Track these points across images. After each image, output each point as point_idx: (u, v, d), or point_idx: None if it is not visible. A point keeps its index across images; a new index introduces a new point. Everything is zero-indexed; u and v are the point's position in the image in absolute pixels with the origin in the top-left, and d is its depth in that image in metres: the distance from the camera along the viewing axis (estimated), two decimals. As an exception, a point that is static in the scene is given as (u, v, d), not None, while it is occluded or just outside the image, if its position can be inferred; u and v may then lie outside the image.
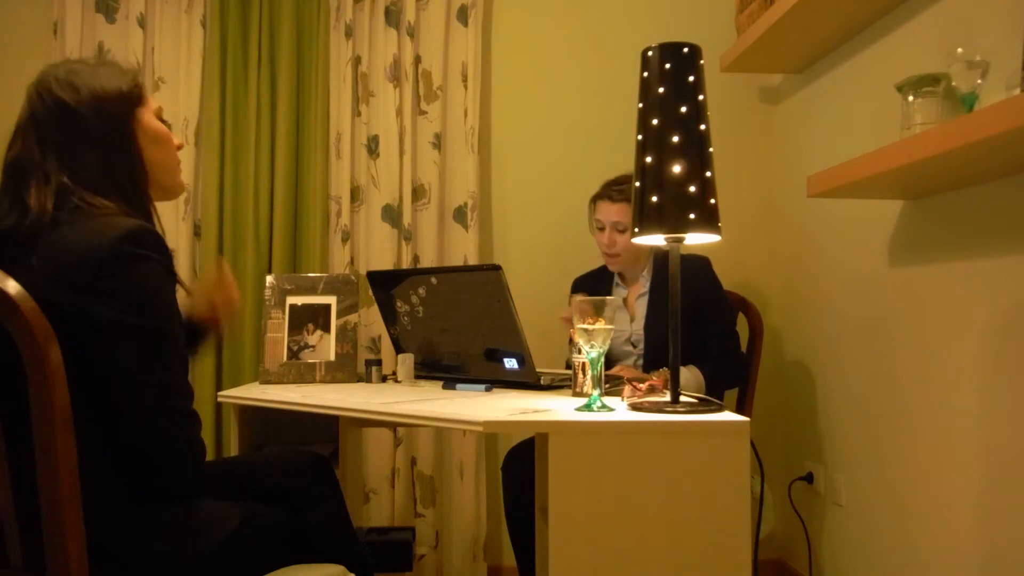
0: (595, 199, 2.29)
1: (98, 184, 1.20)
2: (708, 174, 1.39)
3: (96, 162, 1.21)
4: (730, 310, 2.31)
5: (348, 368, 1.99)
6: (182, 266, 2.60)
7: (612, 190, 2.24)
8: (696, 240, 1.42)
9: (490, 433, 2.68)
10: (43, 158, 1.19)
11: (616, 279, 2.35)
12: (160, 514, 1.18)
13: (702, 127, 1.39)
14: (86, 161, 1.20)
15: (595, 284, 2.35)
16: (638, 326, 2.24)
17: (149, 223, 1.24)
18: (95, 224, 1.14)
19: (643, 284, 2.29)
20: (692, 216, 1.36)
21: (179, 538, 1.19)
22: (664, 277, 2.23)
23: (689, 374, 2.10)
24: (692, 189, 1.36)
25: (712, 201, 1.39)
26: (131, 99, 1.27)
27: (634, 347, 2.23)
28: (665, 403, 1.41)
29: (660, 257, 2.28)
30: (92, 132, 1.22)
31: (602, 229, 2.24)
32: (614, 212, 2.21)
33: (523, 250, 2.80)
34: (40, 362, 0.95)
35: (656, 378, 1.96)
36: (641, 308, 2.25)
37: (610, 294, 2.26)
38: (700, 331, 2.17)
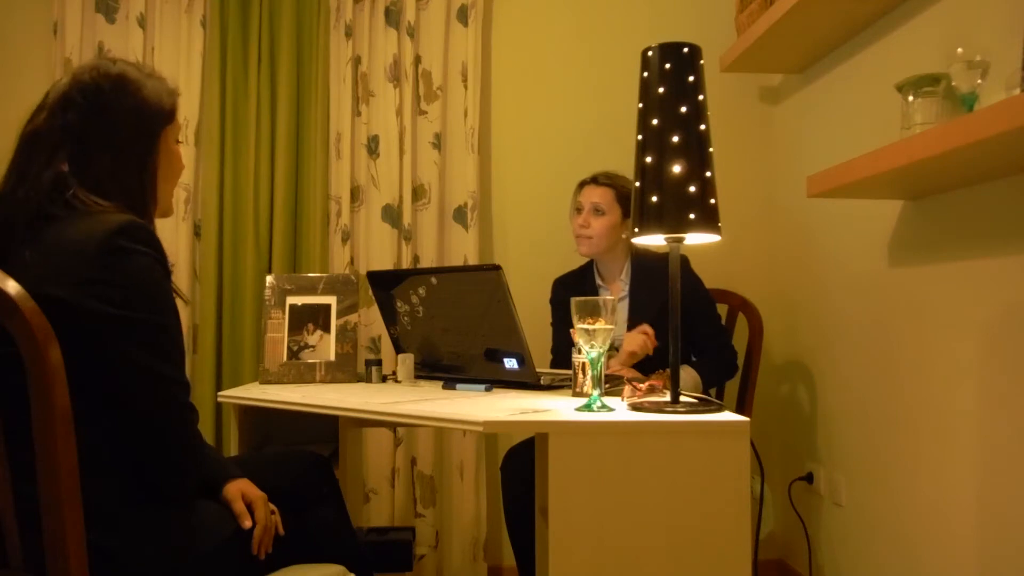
0: (580, 184, 2.32)
1: (104, 186, 1.21)
2: (708, 174, 1.39)
3: (109, 165, 1.22)
4: (713, 305, 2.31)
5: (348, 368, 1.99)
6: (182, 266, 2.60)
7: (599, 175, 2.28)
8: (696, 240, 1.42)
9: (490, 433, 2.68)
10: (57, 145, 1.20)
11: (597, 279, 2.35)
12: (160, 514, 1.18)
13: (702, 127, 1.39)
14: (99, 161, 1.21)
15: (577, 284, 2.35)
16: (619, 330, 2.23)
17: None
18: (89, 220, 1.14)
19: (622, 287, 2.29)
20: (692, 216, 1.36)
21: (179, 538, 1.19)
22: (643, 279, 2.26)
23: (685, 375, 2.10)
24: (692, 189, 1.36)
25: (712, 201, 1.39)
26: (165, 117, 1.29)
27: (616, 351, 2.23)
28: (665, 403, 1.41)
29: (638, 259, 2.29)
30: (118, 137, 1.23)
31: (580, 211, 2.26)
32: (596, 195, 2.24)
33: (523, 250, 2.80)
34: (40, 362, 0.94)
35: (656, 378, 1.97)
36: (622, 311, 2.25)
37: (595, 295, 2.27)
38: (688, 330, 2.17)
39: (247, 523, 1.27)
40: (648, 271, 2.25)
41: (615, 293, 2.29)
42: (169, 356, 1.17)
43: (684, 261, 2.25)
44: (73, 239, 1.12)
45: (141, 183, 1.26)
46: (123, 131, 1.23)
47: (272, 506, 1.33)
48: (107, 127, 1.22)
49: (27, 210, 1.15)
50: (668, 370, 2.02)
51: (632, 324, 2.22)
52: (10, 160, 1.22)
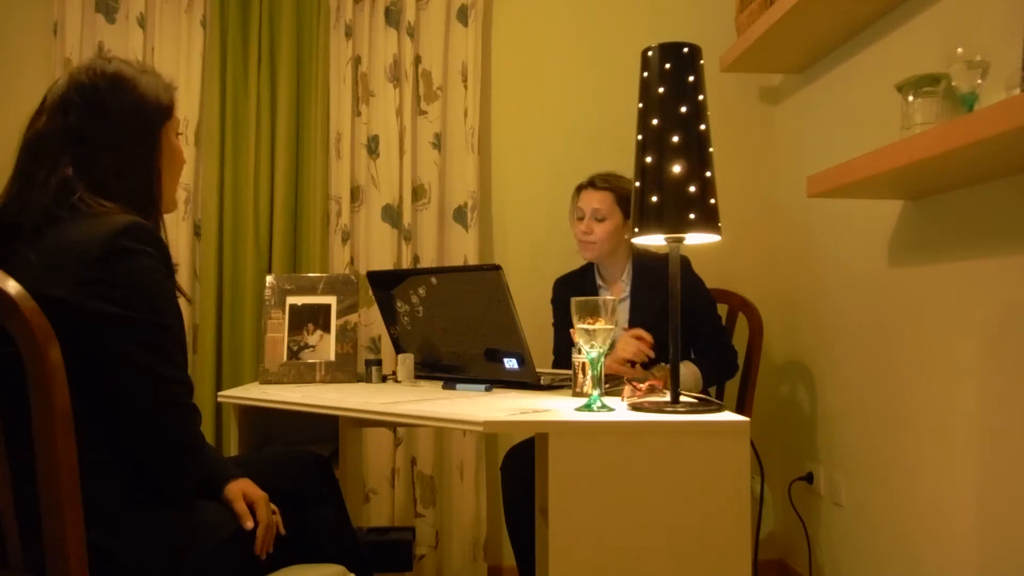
0: (579, 188, 2.31)
1: (109, 187, 1.21)
2: (708, 174, 1.39)
3: (114, 166, 1.22)
4: (713, 305, 2.31)
5: (348, 368, 1.99)
6: (182, 266, 2.60)
7: (597, 178, 2.26)
8: (696, 240, 1.42)
9: (490, 433, 2.68)
10: (60, 149, 1.20)
11: (598, 280, 2.35)
12: (160, 514, 1.18)
13: (702, 127, 1.39)
14: (103, 162, 1.21)
15: (578, 285, 2.35)
16: (620, 331, 2.23)
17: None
18: (93, 222, 1.14)
19: (623, 288, 2.28)
20: (692, 216, 1.36)
21: (179, 538, 1.19)
22: (644, 280, 2.25)
23: (686, 370, 2.10)
24: (692, 189, 1.36)
25: (712, 201, 1.39)
26: (164, 113, 1.29)
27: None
28: (665, 403, 1.41)
29: (640, 260, 2.28)
30: (120, 136, 1.23)
31: (581, 218, 2.25)
32: (596, 200, 2.22)
33: (523, 250, 2.80)
34: (40, 362, 0.94)
35: (657, 375, 1.98)
36: (623, 312, 2.25)
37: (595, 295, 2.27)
38: (688, 330, 2.17)
39: (249, 523, 1.27)
40: (649, 271, 2.25)
41: (616, 294, 2.29)
42: (170, 356, 1.17)
43: (686, 262, 2.25)
44: (76, 240, 1.12)
45: (148, 181, 1.26)
46: (124, 130, 1.23)
47: (273, 506, 1.33)
48: (108, 127, 1.22)
49: (34, 214, 1.16)
50: (668, 364, 2.03)
51: (633, 325, 2.22)
52: (14, 165, 1.22)
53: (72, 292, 1.08)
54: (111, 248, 1.11)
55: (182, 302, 1.25)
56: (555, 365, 2.34)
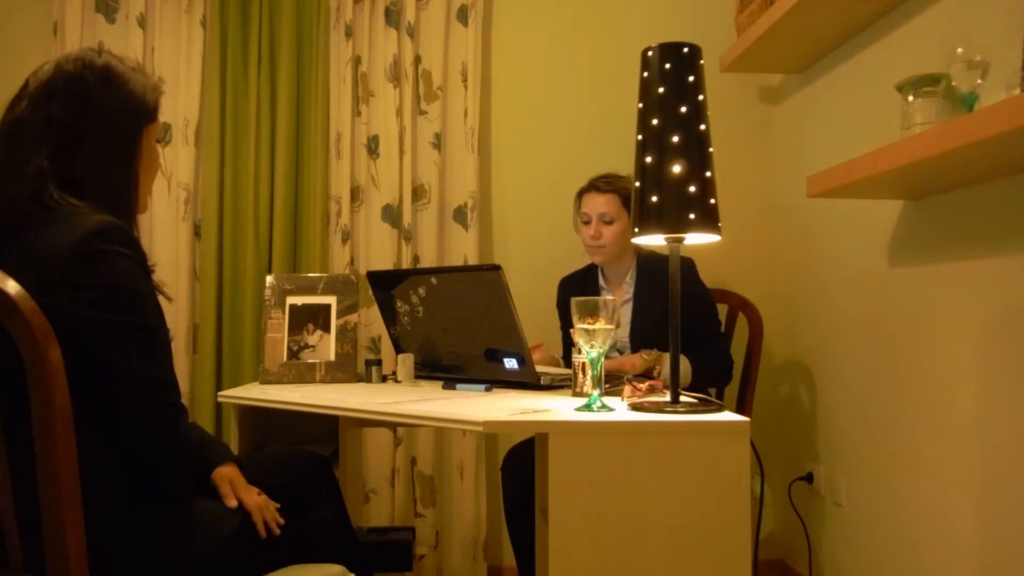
0: (581, 193, 2.30)
1: (84, 183, 1.18)
2: (708, 174, 1.39)
3: (93, 163, 1.20)
4: (713, 308, 2.30)
5: (348, 368, 1.99)
6: (182, 266, 2.60)
7: (599, 181, 2.25)
8: (696, 240, 1.42)
9: (490, 433, 2.68)
10: (40, 138, 1.17)
11: (601, 281, 2.35)
12: (160, 514, 1.18)
13: (702, 127, 1.39)
14: (83, 158, 1.19)
15: (581, 285, 2.34)
16: (623, 333, 2.23)
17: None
18: (66, 223, 1.12)
19: (627, 290, 2.28)
20: (692, 216, 1.36)
21: (179, 538, 1.19)
22: (647, 282, 2.24)
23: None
24: (692, 189, 1.36)
25: (712, 201, 1.39)
26: (149, 114, 1.28)
27: (620, 354, 2.23)
28: (665, 403, 1.41)
29: (643, 261, 2.28)
30: (103, 133, 1.21)
31: (588, 223, 2.24)
32: (601, 203, 2.21)
33: (523, 250, 2.80)
34: (40, 362, 0.94)
35: (645, 356, 1.97)
36: (625, 314, 2.25)
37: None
38: (687, 333, 2.16)
39: (232, 503, 1.31)
40: (653, 273, 2.24)
41: (619, 297, 2.28)
42: (156, 357, 1.16)
43: (688, 265, 2.24)
44: (52, 243, 1.10)
45: (125, 181, 1.24)
46: (108, 127, 1.21)
47: (255, 488, 1.36)
48: (92, 121, 1.20)
49: (10, 211, 1.14)
50: (655, 350, 2.02)
51: (635, 327, 2.22)
52: None
53: (53, 297, 1.06)
54: (86, 250, 1.09)
55: (164, 302, 1.23)
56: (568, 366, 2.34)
